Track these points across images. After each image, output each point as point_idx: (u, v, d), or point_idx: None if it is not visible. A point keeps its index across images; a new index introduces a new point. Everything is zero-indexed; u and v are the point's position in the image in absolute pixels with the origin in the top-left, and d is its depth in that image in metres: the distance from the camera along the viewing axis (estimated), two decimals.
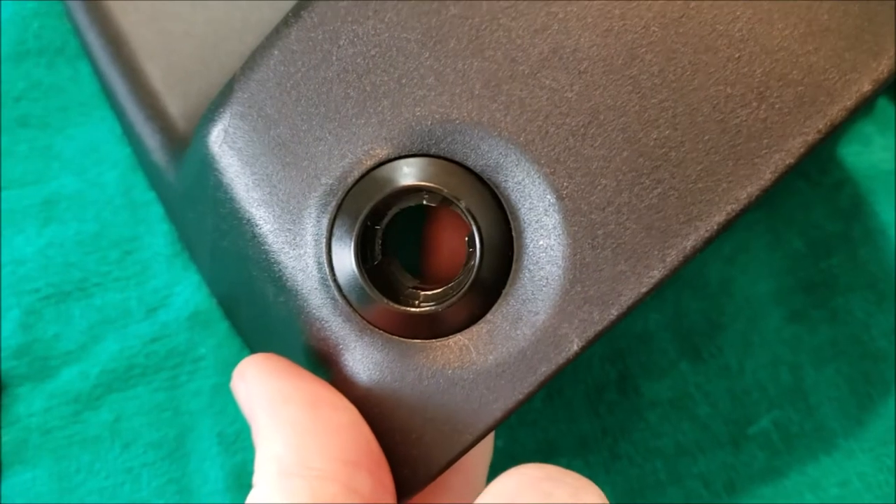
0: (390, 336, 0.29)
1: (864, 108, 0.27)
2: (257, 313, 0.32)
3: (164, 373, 0.36)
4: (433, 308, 0.28)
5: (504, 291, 0.28)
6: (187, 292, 0.36)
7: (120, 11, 0.35)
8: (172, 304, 0.36)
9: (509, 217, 0.28)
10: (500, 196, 0.28)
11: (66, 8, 0.37)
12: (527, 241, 0.28)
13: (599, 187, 0.27)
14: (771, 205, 0.39)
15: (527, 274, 0.28)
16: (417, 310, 0.28)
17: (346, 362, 0.29)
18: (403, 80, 0.28)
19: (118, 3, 0.35)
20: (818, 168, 0.39)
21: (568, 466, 0.34)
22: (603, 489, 0.34)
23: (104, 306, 0.36)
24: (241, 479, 0.35)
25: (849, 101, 0.26)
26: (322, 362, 0.30)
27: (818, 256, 0.38)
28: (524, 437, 0.37)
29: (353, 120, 0.28)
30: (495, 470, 0.34)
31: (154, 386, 0.36)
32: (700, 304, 0.38)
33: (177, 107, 0.34)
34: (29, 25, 0.38)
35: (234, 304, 0.35)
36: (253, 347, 0.35)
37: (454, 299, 0.28)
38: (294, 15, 0.29)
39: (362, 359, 0.29)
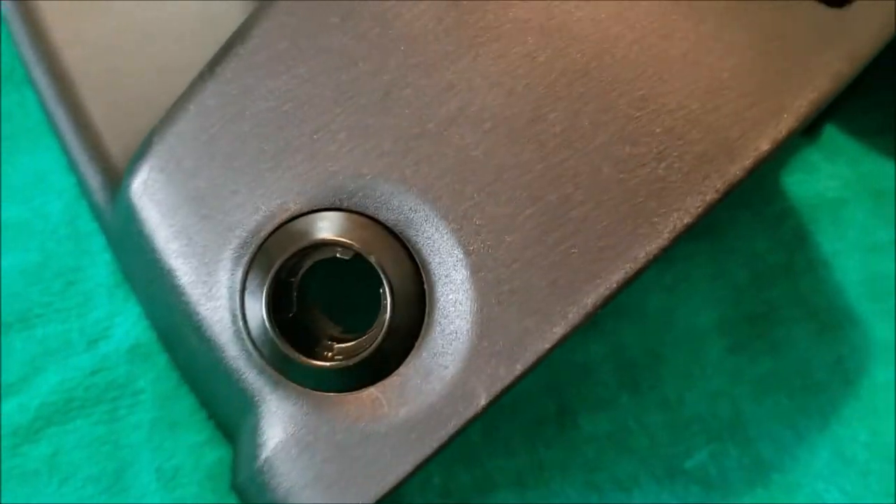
0: (303, 389, 0.29)
1: (762, 167, 0.27)
2: (186, 357, 0.33)
3: (103, 405, 0.36)
4: (344, 362, 0.28)
5: (416, 345, 0.28)
6: (128, 324, 0.36)
7: (65, 48, 0.35)
8: (113, 335, 0.36)
9: (421, 271, 0.28)
10: (411, 250, 0.28)
11: (12, 39, 0.37)
12: (437, 295, 0.28)
13: (505, 244, 0.27)
14: (713, 235, 0.39)
15: (437, 328, 0.28)
16: (329, 363, 0.28)
17: (262, 414, 0.29)
18: (315, 136, 0.28)
19: (64, 39, 0.35)
20: (761, 198, 0.39)
21: (504, 502, 0.35)
22: None
23: (45, 338, 0.36)
24: None
25: (747, 160, 0.26)
26: (240, 412, 0.30)
27: (760, 287, 0.38)
28: (461, 472, 0.37)
29: (267, 174, 0.28)
30: None
31: (93, 419, 0.36)
32: (641, 335, 0.38)
33: (118, 148, 0.34)
34: None
35: (168, 344, 0.35)
36: (188, 385, 0.35)
37: (365, 354, 0.28)
38: (209, 70, 0.29)
39: (276, 411, 0.29)
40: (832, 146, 0.40)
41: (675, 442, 0.38)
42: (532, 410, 0.38)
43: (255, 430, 0.30)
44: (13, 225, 0.37)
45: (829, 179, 0.40)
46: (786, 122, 0.26)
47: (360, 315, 0.30)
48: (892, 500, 0.37)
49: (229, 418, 0.33)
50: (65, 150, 0.36)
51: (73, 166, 0.36)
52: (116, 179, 0.34)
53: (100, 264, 0.37)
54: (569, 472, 0.37)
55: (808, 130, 0.40)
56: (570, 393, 0.38)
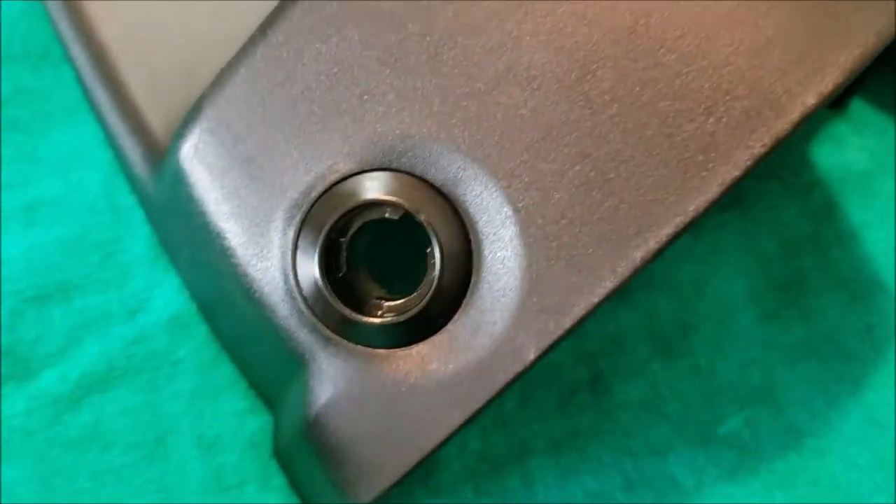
0: (354, 346, 0.29)
1: (818, 116, 0.28)
2: (231, 322, 0.33)
3: (143, 375, 0.36)
4: (394, 319, 0.29)
5: (464, 302, 0.29)
6: (167, 295, 0.37)
7: (102, 24, 0.35)
8: (152, 307, 0.37)
9: (468, 230, 0.29)
10: (459, 209, 0.29)
11: (49, 16, 0.37)
12: (485, 252, 0.29)
13: (553, 200, 0.28)
14: (744, 206, 0.39)
15: (485, 285, 0.29)
16: (379, 320, 0.29)
17: (312, 372, 0.30)
18: (365, 97, 0.29)
19: (100, 14, 0.35)
20: (790, 169, 0.40)
21: (539, 467, 0.35)
22: (573, 490, 0.35)
23: (85, 309, 0.37)
24: (221, 482, 0.36)
25: (794, 114, 0.27)
26: (289, 371, 0.30)
27: (790, 257, 0.39)
28: (497, 438, 0.37)
29: (317, 136, 0.29)
30: (471, 473, 0.35)
31: (134, 388, 0.36)
32: (672, 304, 0.39)
33: (158, 120, 0.35)
34: (14, 29, 0.38)
35: (211, 312, 0.35)
36: (229, 353, 0.36)
37: (415, 311, 0.29)
38: (260, 34, 0.29)
39: (327, 368, 0.30)
40: (860, 119, 0.41)
41: (708, 408, 0.38)
42: (566, 379, 0.38)
43: (303, 390, 0.30)
44: (50, 199, 0.38)
45: (857, 152, 0.40)
46: (831, 77, 0.27)
47: (401, 279, 0.31)
48: None
49: (273, 384, 0.33)
50: (103, 125, 0.36)
51: (111, 140, 0.36)
52: (156, 151, 0.35)
53: (138, 237, 0.37)
54: (603, 437, 0.38)
55: (836, 104, 0.41)
56: (603, 362, 0.38)
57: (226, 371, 0.37)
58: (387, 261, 0.31)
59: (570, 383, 0.38)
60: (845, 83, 0.27)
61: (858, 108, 0.41)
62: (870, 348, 0.39)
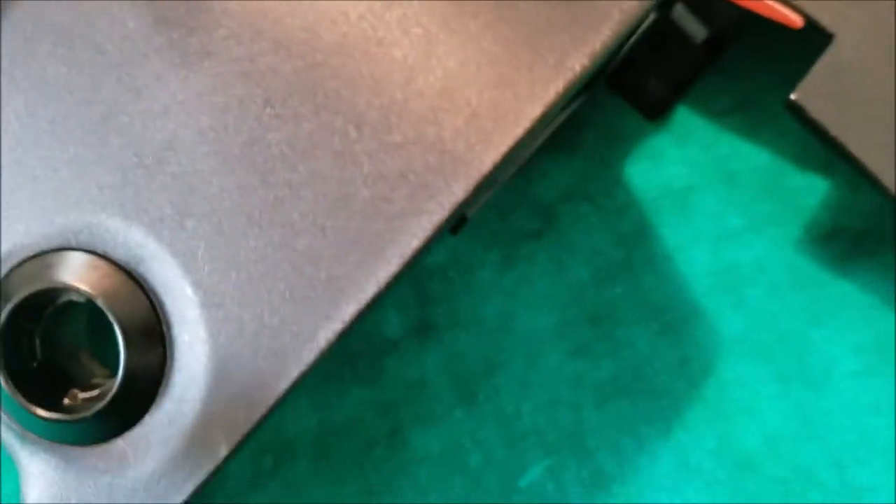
0: (50, 443, 0.27)
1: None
2: None
3: None
4: (81, 414, 0.27)
5: (159, 391, 0.27)
6: None
7: None
8: None
9: (158, 312, 0.26)
10: (146, 290, 0.27)
11: None
12: (175, 336, 0.27)
13: (233, 279, 0.26)
14: (555, 232, 0.37)
15: (178, 373, 0.27)
16: (62, 416, 0.27)
17: (21, 472, 0.28)
18: (37, 173, 0.27)
19: None
20: (603, 191, 0.38)
21: None
22: None
23: None
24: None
25: (473, 177, 0.25)
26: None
27: (602, 286, 0.37)
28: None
29: None
30: None
31: None
32: (478, 343, 0.37)
33: None
34: None
35: None
36: None
37: (102, 404, 0.26)
38: None
39: (27, 466, 0.28)
40: (683, 130, 0.38)
41: (510, 457, 0.36)
42: (364, 432, 0.36)
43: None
44: None
45: (677, 166, 0.38)
46: (509, 138, 0.25)
47: None
48: None
49: None
50: None
51: None
52: None
53: None
54: (398, 496, 0.36)
55: (655, 115, 0.38)
56: (404, 411, 0.36)
57: None
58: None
59: (367, 437, 0.36)
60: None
61: (682, 117, 0.38)
62: (683, 384, 0.37)
